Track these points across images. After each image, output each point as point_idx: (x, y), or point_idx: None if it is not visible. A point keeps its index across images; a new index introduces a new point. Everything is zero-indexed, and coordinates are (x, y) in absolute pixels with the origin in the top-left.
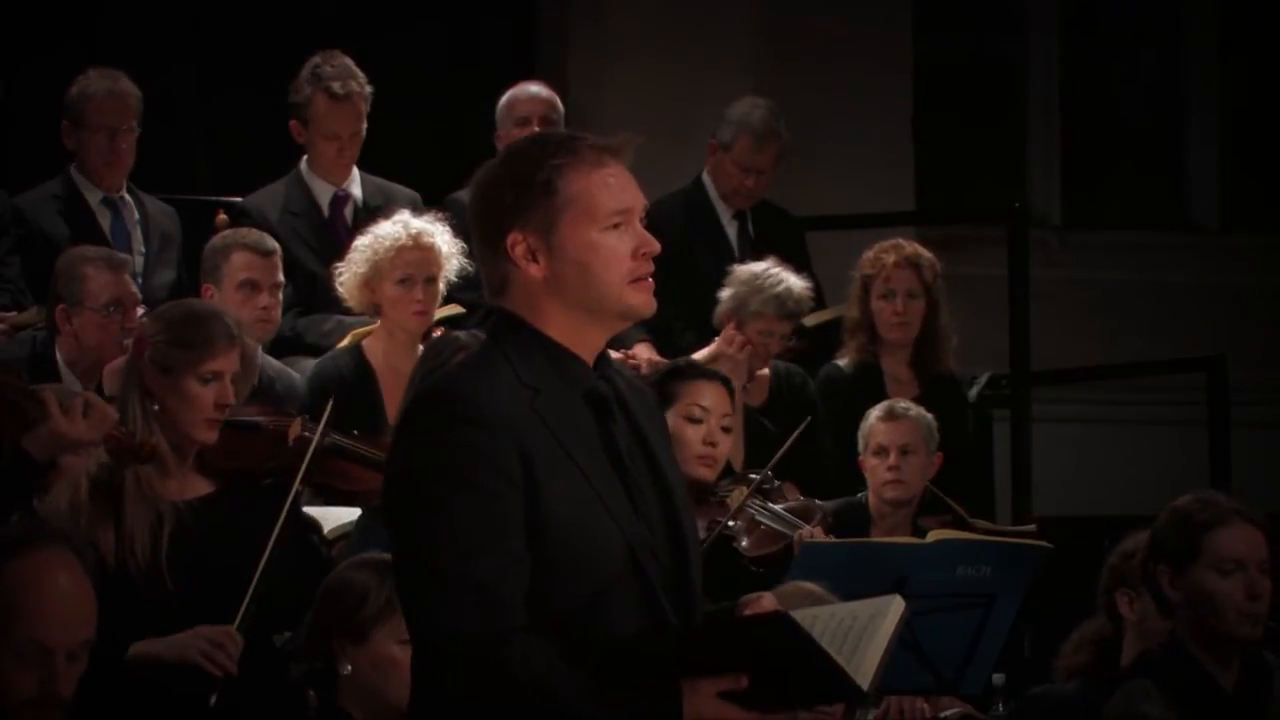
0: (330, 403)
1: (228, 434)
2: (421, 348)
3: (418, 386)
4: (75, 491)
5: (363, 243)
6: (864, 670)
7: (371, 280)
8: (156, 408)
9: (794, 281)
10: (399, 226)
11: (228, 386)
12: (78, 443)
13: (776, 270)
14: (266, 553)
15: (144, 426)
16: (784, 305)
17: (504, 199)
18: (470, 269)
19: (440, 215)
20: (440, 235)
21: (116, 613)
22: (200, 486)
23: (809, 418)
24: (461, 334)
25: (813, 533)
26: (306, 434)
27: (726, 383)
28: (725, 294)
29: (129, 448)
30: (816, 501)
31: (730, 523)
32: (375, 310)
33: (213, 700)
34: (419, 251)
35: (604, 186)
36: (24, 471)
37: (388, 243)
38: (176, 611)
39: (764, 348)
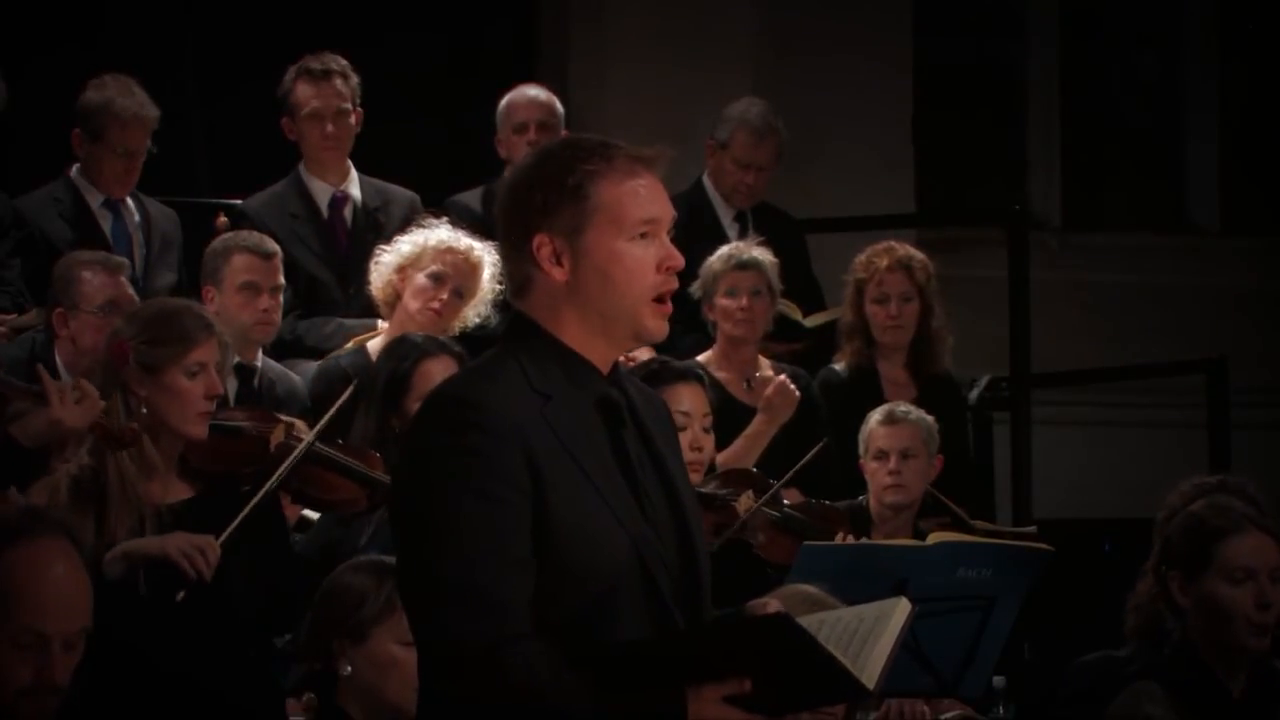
0: (328, 416)
1: (210, 437)
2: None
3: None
4: (54, 490)
5: (414, 234)
6: (869, 670)
7: (408, 267)
8: (144, 410)
9: (739, 243)
10: (455, 234)
11: (214, 377)
12: (71, 428)
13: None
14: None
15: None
16: (735, 257)
17: (533, 199)
18: (492, 322)
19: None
20: (489, 265)
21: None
22: (181, 490)
23: (825, 440)
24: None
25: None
26: (290, 441)
27: (702, 380)
28: (695, 288)
29: (113, 434)
30: (827, 502)
31: (757, 536)
32: (392, 303)
33: (180, 597)
34: (464, 259)
35: (634, 196)
36: (10, 459)
37: (439, 237)
38: (149, 615)
39: (741, 311)
